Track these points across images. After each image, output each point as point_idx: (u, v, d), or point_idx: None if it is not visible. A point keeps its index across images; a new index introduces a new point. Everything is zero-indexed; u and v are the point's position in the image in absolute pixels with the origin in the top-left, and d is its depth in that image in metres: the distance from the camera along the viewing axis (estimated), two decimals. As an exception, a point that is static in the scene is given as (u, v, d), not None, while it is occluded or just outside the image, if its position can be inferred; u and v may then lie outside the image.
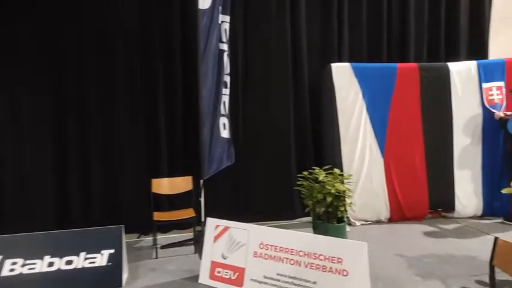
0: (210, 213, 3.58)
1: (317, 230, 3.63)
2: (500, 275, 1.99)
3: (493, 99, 4.71)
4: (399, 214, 4.59)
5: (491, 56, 5.40)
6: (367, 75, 4.55)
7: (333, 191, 3.48)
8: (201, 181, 3.81)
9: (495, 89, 4.72)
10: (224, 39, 4.13)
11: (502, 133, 4.54)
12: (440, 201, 4.65)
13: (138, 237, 4.25)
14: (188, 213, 3.89)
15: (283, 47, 4.70)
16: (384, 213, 4.58)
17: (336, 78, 4.52)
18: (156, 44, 4.36)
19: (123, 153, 4.33)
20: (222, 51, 4.12)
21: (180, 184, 4.08)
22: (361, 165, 4.55)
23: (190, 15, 4.24)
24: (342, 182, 3.68)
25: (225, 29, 4.16)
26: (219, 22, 4.06)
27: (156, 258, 3.64)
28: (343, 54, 4.94)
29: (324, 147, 4.79)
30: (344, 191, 3.54)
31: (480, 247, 3.73)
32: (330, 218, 3.60)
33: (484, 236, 4.06)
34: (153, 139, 4.40)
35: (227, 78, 4.24)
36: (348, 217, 4.45)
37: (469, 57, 5.14)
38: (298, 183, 3.79)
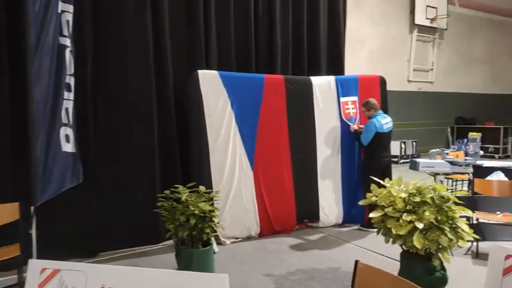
0: (45, 249, 2.93)
1: (180, 257, 3.19)
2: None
3: (349, 112, 5.04)
4: (269, 228, 4.50)
5: (347, 72, 5.89)
6: (235, 84, 4.36)
7: (197, 211, 3.10)
8: (32, 208, 3.00)
9: (350, 103, 5.06)
10: (66, 33, 3.38)
11: (357, 145, 4.87)
12: (306, 212, 4.73)
13: None
14: (10, 251, 2.98)
15: (144, 47, 4.16)
16: (254, 228, 4.43)
17: (203, 87, 4.21)
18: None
19: None
20: (63, 46, 3.35)
21: (1, 213, 3.13)
22: (231, 178, 4.33)
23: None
24: (209, 200, 3.35)
25: (67, 20, 3.41)
26: (59, 11, 3.31)
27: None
28: (212, 61, 4.67)
29: (191, 160, 4.41)
30: (210, 211, 3.20)
31: (342, 257, 3.84)
32: (194, 242, 3.20)
33: (345, 245, 4.23)
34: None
35: (71, 80, 3.48)
36: (217, 235, 4.16)
37: (329, 73, 5.44)
38: (159, 204, 3.31)
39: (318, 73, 5.31)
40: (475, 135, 10.84)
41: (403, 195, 2.88)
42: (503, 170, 5.06)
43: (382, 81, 5.21)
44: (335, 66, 5.65)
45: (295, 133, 4.68)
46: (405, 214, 2.78)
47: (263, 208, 4.46)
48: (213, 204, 3.40)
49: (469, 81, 13.33)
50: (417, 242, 2.67)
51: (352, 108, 5.04)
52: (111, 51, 4.05)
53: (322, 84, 4.88)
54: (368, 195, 3.13)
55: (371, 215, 2.94)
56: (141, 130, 4.17)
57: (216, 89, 4.27)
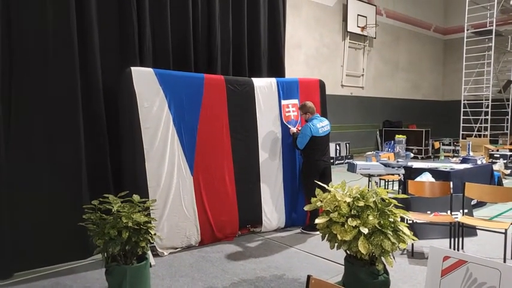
0: None
1: (111, 275, 2.84)
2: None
3: (289, 115, 5.02)
4: (210, 235, 4.30)
5: (287, 75, 5.90)
6: (173, 83, 4.10)
7: (130, 224, 2.79)
8: None
9: (291, 106, 5.04)
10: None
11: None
12: (249, 217, 4.62)
13: None
14: None
15: (67, 37, 3.71)
16: (195, 236, 4.20)
17: (137, 85, 3.87)
18: None
19: None
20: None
21: None
22: (169, 184, 4.05)
23: None
24: (145, 210, 3.05)
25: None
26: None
27: None
28: (146, 59, 4.35)
29: (124, 166, 4.05)
30: (146, 222, 2.90)
31: (285, 263, 3.76)
32: (127, 257, 2.88)
33: (288, 250, 4.16)
34: None
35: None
36: (154, 246, 3.85)
37: (270, 75, 5.40)
38: (85, 216, 2.93)
39: (259, 75, 5.25)
40: (401, 137, 11.65)
41: (348, 199, 2.86)
42: (430, 171, 5.43)
43: (322, 85, 5.29)
44: (276, 68, 5.63)
45: (236, 136, 4.56)
46: (350, 219, 2.76)
47: (204, 215, 4.26)
48: (149, 214, 3.12)
49: (394, 87, 14.39)
50: (362, 247, 2.66)
51: (293, 111, 5.04)
52: (27, 40, 3.54)
53: (264, 86, 4.81)
54: (313, 199, 3.08)
55: (317, 220, 2.88)
56: (64, 132, 3.73)
57: (152, 88, 3.98)
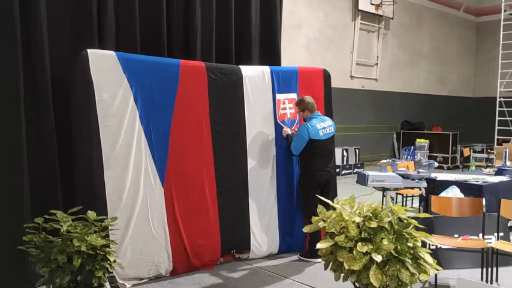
0: None
1: (58, 313, 2.81)
2: None
3: (285, 113, 5.05)
4: (185, 263, 4.30)
5: (283, 63, 5.93)
6: (140, 71, 4.09)
7: (84, 248, 2.77)
8: None
9: (288, 102, 5.07)
10: None
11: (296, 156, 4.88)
12: (234, 240, 4.62)
13: None
14: None
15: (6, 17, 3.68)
16: (165, 264, 4.19)
17: (95, 72, 3.85)
18: None
19: None
20: None
21: None
22: (134, 198, 4.04)
23: None
24: (102, 230, 3.04)
25: None
26: None
27: None
28: (107, 41, 4.35)
29: (76, 173, 4.03)
30: (103, 246, 2.89)
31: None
32: (80, 290, 2.86)
33: (282, 281, 4.18)
34: None
35: None
36: (113, 277, 3.83)
37: (262, 62, 5.42)
38: (26, 238, 2.89)
39: (249, 62, 5.26)
40: (423, 142, 11.90)
41: (357, 219, 2.88)
42: (458, 184, 5.50)
43: (326, 76, 5.34)
44: (270, 54, 5.67)
45: (220, 138, 4.56)
46: (360, 244, 2.78)
47: (177, 236, 4.25)
48: (107, 236, 3.11)
49: (415, 80, 14.62)
50: (374, 278, 2.67)
51: (290, 108, 5.07)
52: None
53: (255, 76, 4.82)
54: (313, 219, 3.10)
55: (318, 245, 2.90)
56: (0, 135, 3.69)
57: (113, 76, 3.96)
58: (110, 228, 3.19)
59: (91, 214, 3.06)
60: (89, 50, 3.89)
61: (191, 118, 4.40)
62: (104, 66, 3.91)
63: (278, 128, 4.91)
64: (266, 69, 4.96)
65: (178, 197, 4.28)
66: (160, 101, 4.22)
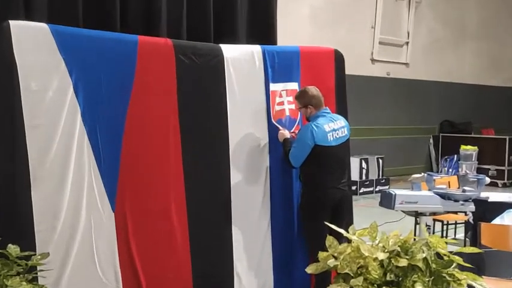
0: None
1: None
2: None
3: (282, 109, 5.09)
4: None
5: (280, 41, 5.97)
6: (83, 50, 4.09)
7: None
8: None
9: (286, 94, 5.11)
10: None
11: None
12: (211, 278, 4.63)
13: None
14: None
15: None
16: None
17: (19, 52, 3.84)
18: None
19: None
20: None
21: None
22: (72, 226, 4.04)
23: None
24: (28, 271, 3.02)
25: None
26: None
27: None
28: (37, 9, 4.40)
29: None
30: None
31: None
32: None
33: None
34: None
35: None
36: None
37: (251, 41, 5.50)
38: None
39: (233, 40, 5.31)
40: (470, 150, 12.01)
41: (381, 256, 2.88)
42: (517, 207, 5.54)
43: (339, 59, 5.41)
44: (261, 30, 5.76)
45: (193, 143, 4.59)
46: (385, 288, 2.79)
47: (133, 279, 4.27)
48: (36, 279, 3.12)
49: (459, 66, 14.76)
50: (404, 337, 2.68)
51: (289, 103, 5.12)
52: None
53: (242, 59, 4.86)
54: (321, 255, 3.09)
55: (326, 291, 2.90)
56: None
57: (46, 58, 3.96)
58: (39, 268, 3.17)
59: (13, 249, 3.03)
60: (11, 22, 3.86)
61: (153, 116, 4.42)
62: (33, 44, 3.90)
63: (273, 130, 4.95)
64: (256, 49, 4.99)
65: (134, 225, 4.29)
66: (111, 93, 4.22)
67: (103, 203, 4.17)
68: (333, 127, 4.75)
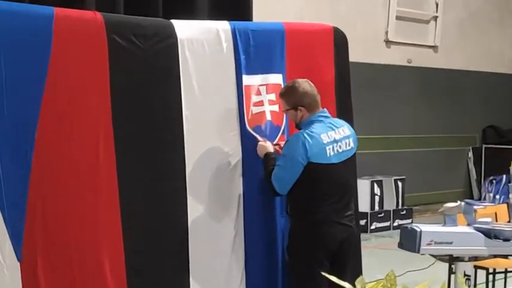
0: None
1: None
2: None
3: (262, 112, 5.09)
4: None
5: (257, 17, 6.00)
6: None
7: None
8: None
9: (266, 90, 5.12)
10: None
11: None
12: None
13: None
14: None
15: None
16: None
17: None
18: None
19: None
20: None
21: None
22: None
23: None
24: None
25: None
26: None
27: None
28: None
29: None
30: None
31: None
32: None
33: None
34: None
35: None
36: None
37: (216, 16, 5.53)
38: None
39: (190, 14, 5.38)
40: (525, 167, 12.11)
41: (403, 319, 2.89)
42: None
43: (339, 41, 5.50)
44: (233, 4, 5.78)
45: (133, 160, 4.62)
46: None
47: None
48: None
49: (505, 51, 14.91)
50: None
51: (271, 103, 5.15)
52: None
53: (203, 40, 4.90)
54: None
55: None
56: None
57: None
58: None
59: None
60: None
61: (76, 121, 4.42)
62: None
63: (248, 142, 5.00)
64: (223, 26, 5.04)
65: (49, 280, 4.26)
66: (17, 87, 4.19)
67: (3, 249, 4.12)
68: (334, 137, 4.77)
